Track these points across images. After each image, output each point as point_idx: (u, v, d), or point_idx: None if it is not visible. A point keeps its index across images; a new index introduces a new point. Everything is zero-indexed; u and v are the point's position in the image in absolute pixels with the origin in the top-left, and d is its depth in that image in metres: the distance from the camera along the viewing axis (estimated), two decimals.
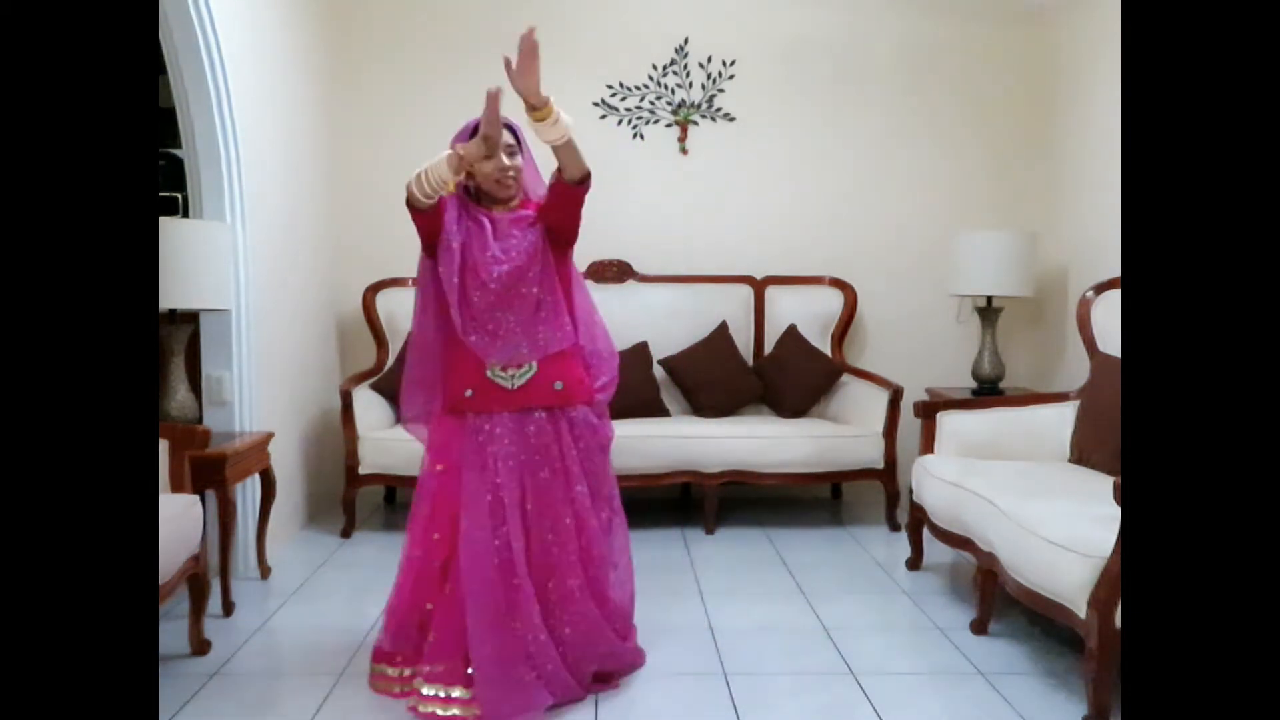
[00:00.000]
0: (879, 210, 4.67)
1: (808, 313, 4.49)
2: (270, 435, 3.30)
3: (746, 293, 4.55)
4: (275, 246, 3.66)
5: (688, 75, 4.61)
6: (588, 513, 2.41)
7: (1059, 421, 3.33)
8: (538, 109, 2.27)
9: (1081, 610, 2.22)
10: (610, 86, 4.58)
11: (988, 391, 4.20)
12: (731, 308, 4.47)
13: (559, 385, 2.41)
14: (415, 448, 3.88)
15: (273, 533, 3.46)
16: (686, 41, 4.60)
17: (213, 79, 3.12)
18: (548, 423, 2.40)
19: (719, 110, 4.62)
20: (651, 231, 4.59)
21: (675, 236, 4.63)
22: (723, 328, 4.41)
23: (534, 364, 2.39)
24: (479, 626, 2.27)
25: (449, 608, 2.32)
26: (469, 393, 2.39)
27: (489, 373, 2.38)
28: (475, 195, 2.47)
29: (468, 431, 2.40)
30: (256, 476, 3.30)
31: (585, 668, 2.40)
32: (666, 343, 4.36)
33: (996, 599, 2.84)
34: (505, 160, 2.40)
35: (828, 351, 4.45)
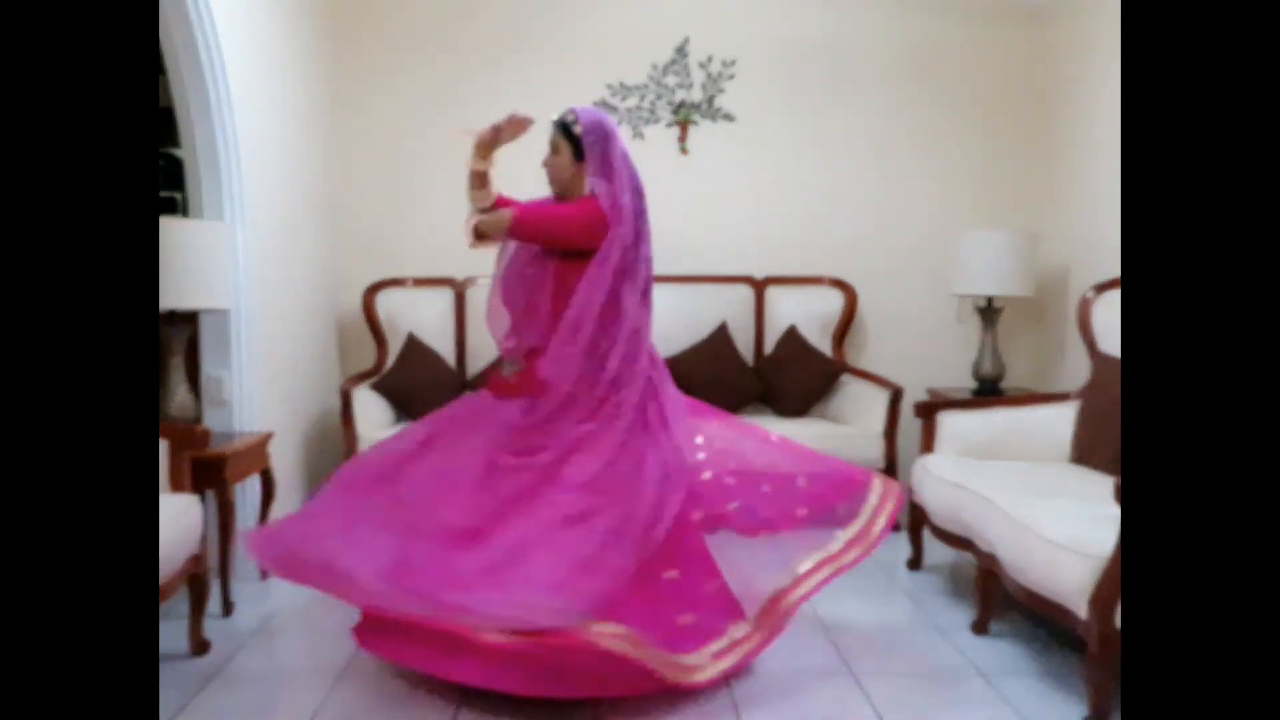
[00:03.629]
0: (879, 210, 4.66)
1: (808, 313, 4.48)
2: (270, 435, 3.30)
3: (746, 293, 4.54)
4: (274, 246, 3.66)
5: (688, 75, 4.60)
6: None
7: (1059, 421, 3.33)
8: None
9: (1082, 610, 2.22)
10: (610, 86, 4.58)
11: (988, 391, 4.20)
12: (731, 308, 4.47)
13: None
14: None
15: None
16: (686, 41, 4.59)
17: (212, 79, 3.12)
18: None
19: (719, 110, 4.62)
20: (651, 231, 4.57)
21: (675, 236, 4.61)
22: (723, 328, 4.40)
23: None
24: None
25: None
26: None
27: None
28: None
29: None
30: (256, 476, 3.30)
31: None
32: (666, 343, 4.34)
33: (997, 599, 2.84)
34: (546, 155, 2.63)
35: (828, 351, 4.45)
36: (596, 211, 2.52)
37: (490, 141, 2.60)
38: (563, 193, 2.63)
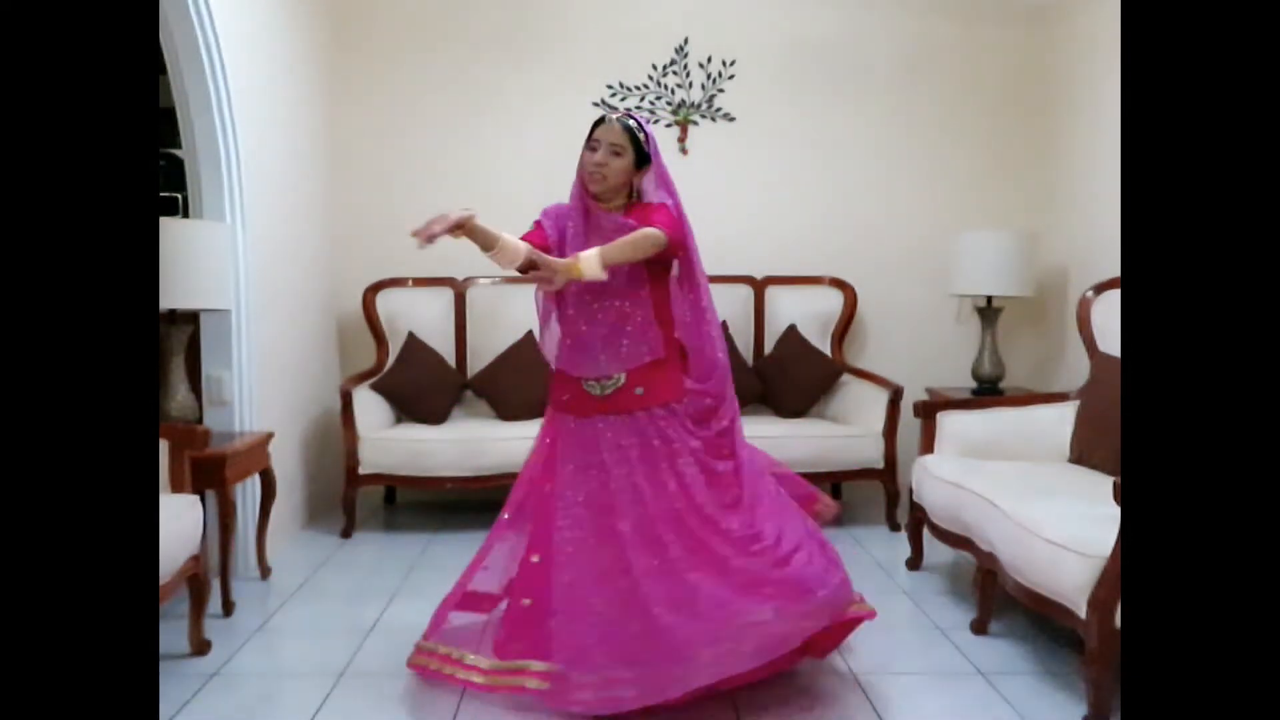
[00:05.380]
0: (879, 210, 4.67)
1: (808, 313, 4.49)
2: (270, 435, 3.30)
3: (746, 293, 4.54)
4: (275, 246, 3.66)
5: (688, 75, 4.61)
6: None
7: (1059, 421, 3.33)
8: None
9: (1081, 610, 2.22)
10: (610, 86, 4.58)
11: (988, 391, 4.20)
12: (731, 308, 4.46)
13: (639, 391, 2.46)
14: (415, 447, 3.93)
15: (273, 533, 3.45)
16: (686, 41, 4.60)
17: (213, 79, 3.12)
18: (637, 423, 2.46)
19: (719, 110, 4.62)
20: None
21: None
22: (723, 328, 4.39)
23: (622, 375, 2.46)
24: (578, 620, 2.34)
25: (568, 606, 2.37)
26: (566, 397, 2.53)
27: (584, 385, 2.49)
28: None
29: (568, 431, 2.52)
30: (256, 476, 3.30)
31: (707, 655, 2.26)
32: None
33: (996, 599, 2.84)
34: (598, 155, 2.45)
35: (828, 351, 4.45)
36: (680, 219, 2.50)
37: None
38: (605, 196, 2.49)
